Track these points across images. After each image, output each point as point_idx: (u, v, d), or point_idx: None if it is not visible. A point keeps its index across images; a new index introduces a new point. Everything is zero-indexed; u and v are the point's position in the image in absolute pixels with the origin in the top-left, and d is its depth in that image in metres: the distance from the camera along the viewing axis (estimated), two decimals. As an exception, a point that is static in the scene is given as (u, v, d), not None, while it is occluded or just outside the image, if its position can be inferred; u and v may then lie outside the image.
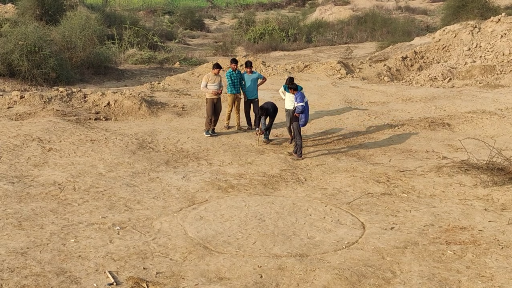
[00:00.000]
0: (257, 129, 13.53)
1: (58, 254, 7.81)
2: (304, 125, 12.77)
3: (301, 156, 12.53)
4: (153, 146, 13.11)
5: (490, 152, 11.44)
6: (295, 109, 12.51)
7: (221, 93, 14.10)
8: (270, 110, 13.31)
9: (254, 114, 14.23)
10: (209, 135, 13.97)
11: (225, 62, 22.61)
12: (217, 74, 14.02)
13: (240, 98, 14.72)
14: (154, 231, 8.74)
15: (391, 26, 36.29)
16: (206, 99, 14.12)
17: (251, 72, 14.68)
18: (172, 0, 61.12)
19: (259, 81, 14.87)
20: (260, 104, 14.07)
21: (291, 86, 12.74)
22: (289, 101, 13.19)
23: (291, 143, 13.33)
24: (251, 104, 14.62)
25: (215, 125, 14.28)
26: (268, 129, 13.52)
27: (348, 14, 43.68)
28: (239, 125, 14.73)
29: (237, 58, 23.76)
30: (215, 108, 14.07)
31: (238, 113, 14.72)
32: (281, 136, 14.26)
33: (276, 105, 13.68)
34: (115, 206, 9.65)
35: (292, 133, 13.06)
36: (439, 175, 11.45)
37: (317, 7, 51.12)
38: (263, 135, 13.55)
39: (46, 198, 9.83)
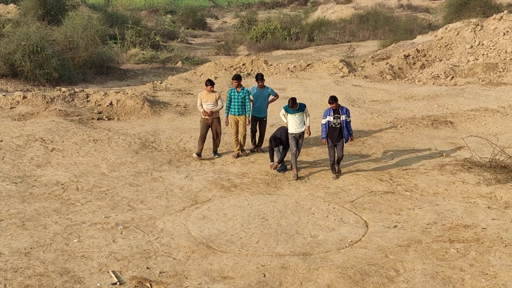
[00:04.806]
0: (271, 163, 11.60)
1: (61, 254, 7.82)
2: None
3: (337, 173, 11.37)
4: (156, 146, 13.12)
5: (493, 150, 11.43)
6: (335, 125, 11.00)
7: (211, 114, 12.10)
8: (283, 140, 11.41)
9: (260, 133, 12.81)
10: (196, 157, 12.15)
11: (227, 61, 22.64)
12: (211, 91, 12.12)
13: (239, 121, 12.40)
14: (157, 230, 8.75)
15: (393, 25, 36.22)
16: (201, 118, 12.39)
17: (263, 87, 12.60)
18: (174, 0, 61.12)
19: (271, 97, 12.82)
20: (265, 123, 12.63)
21: (331, 101, 10.91)
22: (295, 124, 11.25)
23: (297, 178, 11.16)
24: (258, 123, 12.70)
25: (217, 146, 12.52)
26: (282, 160, 11.63)
27: (350, 12, 43.61)
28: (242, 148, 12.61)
29: (240, 57, 23.83)
30: (210, 129, 12.25)
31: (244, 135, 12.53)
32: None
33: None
34: (118, 206, 9.66)
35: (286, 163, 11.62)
36: (442, 173, 11.43)
37: (319, 6, 51.08)
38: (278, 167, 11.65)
39: (49, 198, 9.85)
